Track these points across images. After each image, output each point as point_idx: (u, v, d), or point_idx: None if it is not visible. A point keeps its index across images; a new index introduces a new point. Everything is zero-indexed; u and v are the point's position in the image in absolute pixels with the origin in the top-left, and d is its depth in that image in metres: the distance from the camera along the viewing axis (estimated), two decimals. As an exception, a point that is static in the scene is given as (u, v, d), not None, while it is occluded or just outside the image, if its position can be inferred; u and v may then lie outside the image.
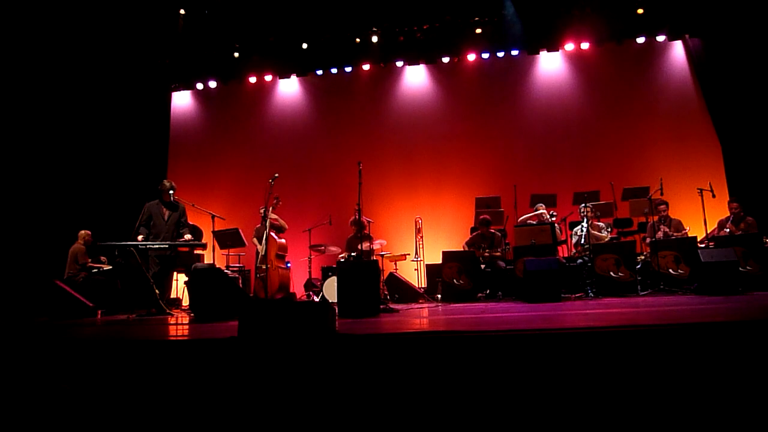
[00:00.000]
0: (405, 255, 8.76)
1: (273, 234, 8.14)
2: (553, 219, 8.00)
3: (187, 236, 6.88)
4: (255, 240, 8.61)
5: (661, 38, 9.72)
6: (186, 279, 8.39)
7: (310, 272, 9.05)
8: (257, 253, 8.64)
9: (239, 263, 9.06)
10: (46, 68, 9.28)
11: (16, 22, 8.69)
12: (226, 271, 7.79)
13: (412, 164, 10.47)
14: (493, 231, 8.23)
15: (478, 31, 9.87)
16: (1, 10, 8.44)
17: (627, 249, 6.98)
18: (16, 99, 9.03)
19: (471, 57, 10.24)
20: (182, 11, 9.57)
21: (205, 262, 8.72)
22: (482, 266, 7.90)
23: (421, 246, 8.89)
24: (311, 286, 8.92)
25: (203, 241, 7.62)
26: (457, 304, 6.95)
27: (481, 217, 8.24)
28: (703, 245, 7.32)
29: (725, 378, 2.70)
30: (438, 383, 2.89)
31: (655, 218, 7.61)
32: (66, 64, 9.50)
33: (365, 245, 7.50)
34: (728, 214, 7.61)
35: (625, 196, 8.28)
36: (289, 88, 11.18)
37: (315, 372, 3.01)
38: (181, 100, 11.50)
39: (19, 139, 9.11)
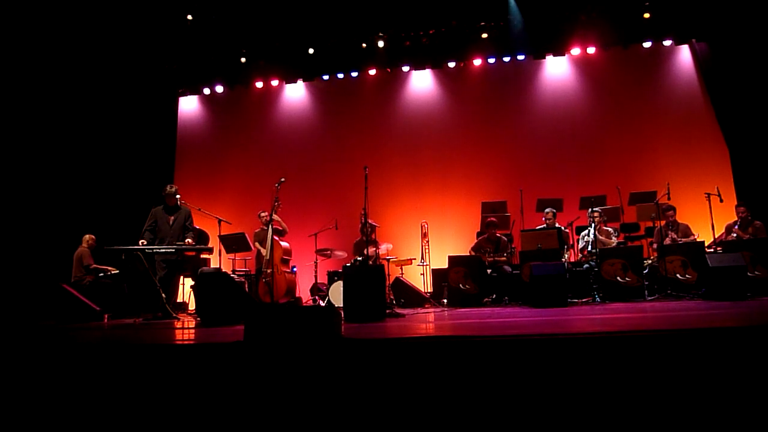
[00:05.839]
0: (411, 259, 8.74)
1: (276, 237, 8.15)
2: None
3: (189, 240, 6.89)
4: (257, 244, 8.62)
5: (667, 42, 9.67)
6: (192, 283, 8.42)
7: (316, 277, 9.04)
8: (258, 256, 8.65)
9: (245, 267, 9.07)
10: (53, 73, 9.35)
11: (24, 27, 8.76)
12: (232, 275, 7.81)
13: (418, 168, 10.46)
14: (499, 235, 8.21)
15: (484, 35, 9.85)
16: (9, 15, 8.51)
17: (634, 254, 6.94)
18: (23, 103, 9.10)
19: (477, 62, 10.24)
20: (189, 16, 9.63)
21: (212, 266, 8.74)
22: (488, 271, 7.88)
23: (427, 250, 8.88)
24: (317, 290, 8.92)
25: (210, 245, 7.63)
26: (463, 309, 6.95)
27: (487, 219, 8.22)
28: (710, 250, 7.26)
29: (732, 384, 2.68)
30: (444, 388, 2.89)
31: (662, 223, 7.57)
32: (73, 68, 9.57)
33: (371, 250, 7.50)
34: (736, 219, 7.56)
35: (632, 200, 8.23)
36: (295, 93, 11.21)
37: (321, 376, 3.01)
38: (188, 105, 11.56)
39: (27, 144, 9.18)
